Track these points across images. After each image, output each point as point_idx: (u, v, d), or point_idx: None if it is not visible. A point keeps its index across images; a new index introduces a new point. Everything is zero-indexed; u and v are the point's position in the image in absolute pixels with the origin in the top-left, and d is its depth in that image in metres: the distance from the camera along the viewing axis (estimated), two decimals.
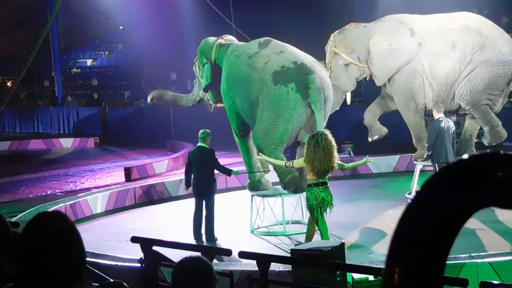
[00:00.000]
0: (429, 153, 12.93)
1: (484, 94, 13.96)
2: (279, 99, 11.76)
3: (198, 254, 3.49)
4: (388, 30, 14.34)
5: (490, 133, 14.09)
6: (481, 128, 14.56)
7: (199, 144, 11.75)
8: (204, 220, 11.55)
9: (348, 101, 14.89)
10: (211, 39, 13.52)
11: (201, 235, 11.58)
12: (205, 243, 11.36)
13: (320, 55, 14.59)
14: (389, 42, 14.19)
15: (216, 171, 11.76)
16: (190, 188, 11.80)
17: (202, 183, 11.57)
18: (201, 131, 11.83)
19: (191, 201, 12.18)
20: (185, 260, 3.01)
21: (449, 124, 12.83)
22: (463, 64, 13.90)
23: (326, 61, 14.39)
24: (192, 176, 11.67)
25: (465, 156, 1.29)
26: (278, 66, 11.97)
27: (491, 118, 14.07)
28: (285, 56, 12.12)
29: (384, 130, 14.93)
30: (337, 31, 14.68)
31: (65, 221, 2.57)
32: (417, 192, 1.29)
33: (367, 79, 14.88)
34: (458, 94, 14.04)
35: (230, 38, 13.67)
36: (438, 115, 13.00)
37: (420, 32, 14.13)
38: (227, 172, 11.96)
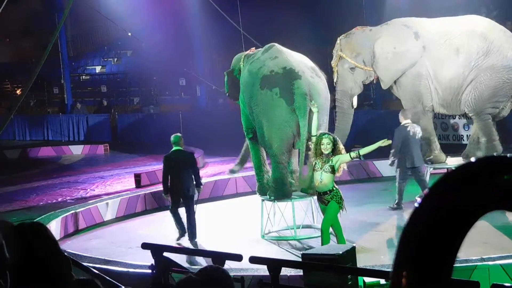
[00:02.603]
0: (394, 158, 13.02)
1: (489, 102, 13.84)
2: (265, 104, 11.77)
3: (216, 263, 3.49)
4: (393, 34, 14.33)
5: (486, 145, 13.95)
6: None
7: (175, 148, 11.82)
8: (188, 220, 11.76)
9: (355, 104, 14.86)
10: (241, 53, 13.50)
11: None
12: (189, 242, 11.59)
13: (328, 59, 14.60)
14: (394, 45, 14.17)
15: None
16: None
17: (186, 186, 11.71)
18: (173, 135, 12.04)
19: (201, 207, 12.18)
20: (205, 269, 3.02)
21: (415, 129, 12.92)
22: (467, 69, 13.78)
23: (332, 64, 14.43)
24: (171, 180, 11.78)
25: (473, 159, 1.29)
26: (268, 70, 11.96)
27: (491, 130, 13.97)
28: (278, 61, 12.05)
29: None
30: (343, 35, 14.69)
31: (41, 232, 2.65)
32: (424, 196, 1.29)
33: (374, 82, 14.88)
34: (463, 101, 13.97)
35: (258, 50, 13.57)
36: (404, 121, 13.08)
37: (425, 36, 14.08)
38: (198, 183, 11.93)
